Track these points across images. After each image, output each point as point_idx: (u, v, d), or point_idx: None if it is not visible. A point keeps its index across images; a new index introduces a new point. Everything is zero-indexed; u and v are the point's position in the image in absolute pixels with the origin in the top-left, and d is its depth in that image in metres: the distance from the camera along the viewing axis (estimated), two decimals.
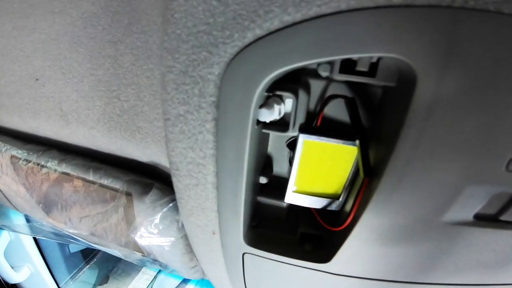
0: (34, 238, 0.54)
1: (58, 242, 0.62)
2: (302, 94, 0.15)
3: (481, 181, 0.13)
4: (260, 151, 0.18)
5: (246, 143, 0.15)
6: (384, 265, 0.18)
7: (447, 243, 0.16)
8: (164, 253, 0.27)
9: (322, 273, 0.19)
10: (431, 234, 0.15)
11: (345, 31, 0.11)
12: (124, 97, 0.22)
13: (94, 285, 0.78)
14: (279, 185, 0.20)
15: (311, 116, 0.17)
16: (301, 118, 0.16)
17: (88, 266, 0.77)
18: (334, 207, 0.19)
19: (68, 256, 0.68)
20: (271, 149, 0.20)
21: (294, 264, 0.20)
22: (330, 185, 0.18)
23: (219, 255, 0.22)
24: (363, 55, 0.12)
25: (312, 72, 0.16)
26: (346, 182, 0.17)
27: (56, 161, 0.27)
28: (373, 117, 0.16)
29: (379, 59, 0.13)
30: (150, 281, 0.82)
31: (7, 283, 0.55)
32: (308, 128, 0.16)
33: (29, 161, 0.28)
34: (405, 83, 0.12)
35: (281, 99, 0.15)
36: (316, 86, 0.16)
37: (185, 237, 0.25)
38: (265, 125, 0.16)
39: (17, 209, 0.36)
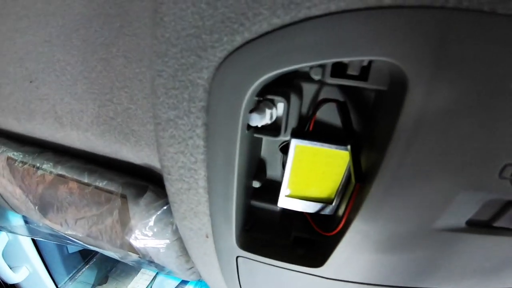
0: (32, 239, 0.54)
1: (57, 244, 0.62)
2: (294, 98, 0.15)
3: (474, 188, 0.13)
4: (252, 155, 0.18)
5: (236, 148, 0.14)
6: (376, 270, 0.18)
7: (439, 249, 0.16)
8: (160, 255, 0.27)
9: (315, 277, 0.19)
10: (423, 240, 0.15)
11: (335, 33, 0.11)
12: (117, 100, 0.22)
13: (93, 285, 0.79)
14: (272, 189, 0.19)
15: (303, 120, 0.17)
16: (293, 122, 0.16)
17: (87, 266, 0.77)
18: (327, 211, 0.18)
19: (66, 257, 0.69)
20: (264, 153, 0.20)
21: (287, 268, 0.20)
22: (323, 190, 0.18)
23: (213, 258, 0.22)
24: (353, 59, 0.11)
25: (304, 76, 0.16)
26: (339, 186, 0.17)
27: (51, 163, 0.27)
28: (366, 122, 0.16)
29: (370, 62, 0.13)
30: (149, 282, 0.82)
31: (5, 284, 0.55)
32: (300, 132, 0.16)
33: (25, 163, 0.28)
34: (396, 87, 0.12)
35: (272, 103, 0.15)
36: (309, 89, 0.16)
37: (180, 239, 0.25)
38: (256, 129, 0.16)
39: (14, 211, 0.36)
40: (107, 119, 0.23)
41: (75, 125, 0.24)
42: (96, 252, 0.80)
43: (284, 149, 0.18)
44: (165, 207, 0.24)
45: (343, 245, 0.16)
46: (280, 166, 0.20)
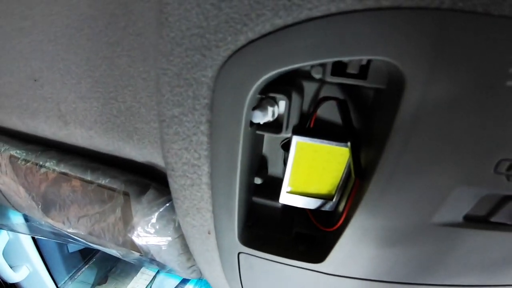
0: (33, 238, 0.54)
1: (57, 242, 0.62)
2: (295, 96, 0.16)
3: (470, 183, 0.13)
4: (254, 152, 0.18)
5: (239, 144, 0.15)
6: (376, 266, 0.18)
7: (438, 244, 0.16)
8: (161, 253, 0.27)
9: (316, 273, 0.19)
10: (422, 235, 0.15)
11: (335, 34, 0.11)
12: (121, 98, 0.22)
13: (93, 285, 0.79)
14: (274, 185, 0.20)
15: (304, 117, 0.17)
16: (294, 120, 0.17)
17: (87, 266, 0.77)
18: (327, 207, 0.19)
19: (67, 256, 0.68)
20: (266, 150, 0.20)
21: (289, 264, 0.20)
22: (323, 186, 0.18)
23: (215, 255, 0.22)
24: (353, 58, 0.12)
25: (305, 74, 0.16)
26: (339, 183, 0.18)
27: (54, 161, 0.27)
28: (365, 119, 0.16)
29: (369, 61, 0.13)
30: (149, 281, 0.82)
31: (5, 283, 0.55)
32: (301, 129, 0.17)
33: (28, 161, 0.29)
34: (394, 85, 0.12)
35: (274, 101, 0.16)
36: (310, 88, 0.16)
37: (182, 237, 0.25)
38: (259, 126, 0.17)
39: (16, 209, 0.36)
40: (111, 117, 0.23)
41: (79, 123, 0.25)
42: (96, 252, 0.80)
43: (286, 146, 0.19)
44: (167, 204, 0.24)
45: (343, 240, 0.17)
46: (281, 163, 0.21)
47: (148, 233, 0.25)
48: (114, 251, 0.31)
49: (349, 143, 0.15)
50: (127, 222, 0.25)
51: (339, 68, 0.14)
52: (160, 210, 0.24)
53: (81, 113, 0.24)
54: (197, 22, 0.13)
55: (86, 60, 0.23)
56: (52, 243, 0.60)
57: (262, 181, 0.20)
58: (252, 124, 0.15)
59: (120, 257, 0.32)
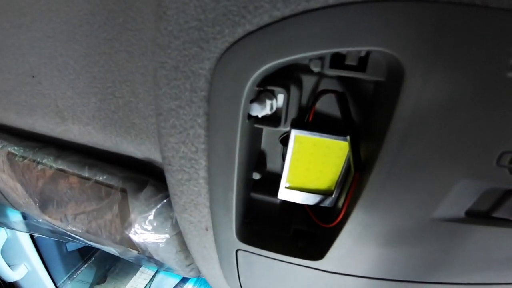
0: (31, 237, 0.54)
1: (55, 241, 0.62)
2: (294, 89, 0.16)
3: (472, 176, 0.13)
4: (252, 147, 0.18)
5: (236, 137, 0.15)
6: (377, 263, 0.18)
7: (439, 241, 0.16)
8: (159, 251, 0.27)
9: (315, 270, 0.19)
10: (423, 231, 0.15)
11: (333, 25, 0.11)
12: (119, 93, 0.22)
13: (92, 284, 0.78)
14: (272, 181, 0.20)
15: (303, 111, 0.17)
16: (293, 114, 0.16)
17: (86, 265, 0.77)
18: (327, 203, 0.19)
19: (65, 255, 0.68)
20: (264, 145, 0.20)
21: (287, 261, 0.20)
22: (323, 181, 0.18)
23: (212, 252, 0.22)
24: (351, 49, 0.12)
25: (304, 68, 0.16)
26: (338, 178, 0.17)
27: (52, 158, 0.27)
28: (365, 113, 0.16)
29: (368, 53, 0.13)
30: (148, 281, 0.82)
31: (3, 282, 0.55)
32: (300, 123, 0.16)
33: (25, 158, 0.28)
34: (393, 77, 0.12)
35: (272, 94, 0.16)
36: (308, 81, 0.16)
37: (180, 235, 0.25)
38: (257, 120, 0.16)
39: (13, 207, 0.36)
40: (109, 112, 0.23)
41: (76, 119, 0.25)
42: (95, 251, 0.79)
43: (284, 141, 0.19)
44: (165, 201, 0.24)
45: (342, 237, 0.17)
46: (280, 159, 0.20)
47: (145, 230, 0.24)
48: (111, 249, 0.31)
49: (348, 137, 0.15)
50: (124, 219, 0.25)
51: (337, 61, 0.14)
52: (158, 207, 0.24)
53: (78, 108, 0.24)
54: (195, 15, 0.13)
55: (84, 56, 0.23)
56: (50, 241, 0.60)
57: (261, 176, 0.20)
58: (250, 117, 0.15)
59: (118, 255, 0.32)
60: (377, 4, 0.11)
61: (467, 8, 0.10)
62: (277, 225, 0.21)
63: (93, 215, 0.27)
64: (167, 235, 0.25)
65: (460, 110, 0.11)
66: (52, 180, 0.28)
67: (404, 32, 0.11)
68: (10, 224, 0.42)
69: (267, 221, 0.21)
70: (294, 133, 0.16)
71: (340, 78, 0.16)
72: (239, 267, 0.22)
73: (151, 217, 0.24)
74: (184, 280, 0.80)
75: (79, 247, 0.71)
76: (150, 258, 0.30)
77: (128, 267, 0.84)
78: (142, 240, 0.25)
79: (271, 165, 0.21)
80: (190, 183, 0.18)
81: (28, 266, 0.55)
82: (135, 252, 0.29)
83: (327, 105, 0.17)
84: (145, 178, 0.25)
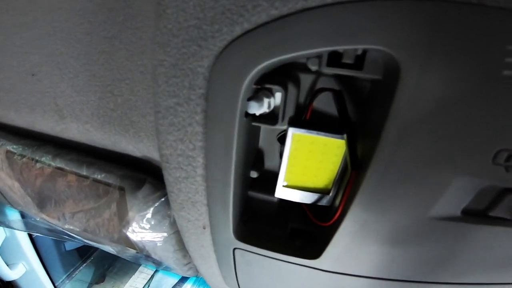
0: (30, 236, 0.54)
1: (54, 240, 0.62)
2: (291, 87, 0.16)
3: (468, 175, 0.13)
4: (250, 145, 0.18)
5: (234, 134, 0.15)
6: (374, 262, 0.18)
7: (436, 239, 0.16)
8: (157, 249, 0.27)
9: (313, 269, 0.19)
10: (420, 229, 0.15)
11: (330, 23, 0.11)
12: (118, 91, 0.22)
13: (91, 283, 0.78)
14: (270, 180, 0.20)
15: (300, 109, 0.17)
16: (290, 112, 0.16)
17: (84, 264, 0.77)
18: (324, 202, 0.19)
19: (64, 254, 0.68)
20: (262, 143, 0.20)
21: (285, 260, 0.20)
22: (320, 180, 0.18)
23: (210, 251, 0.22)
24: (348, 47, 0.12)
25: (301, 66, 0.16)
26: (336, 176, 0.17)
27: (50, 156, 0.27)
28: (362, 111, 0.16)
29: (365, 51, 0.13)
30: (147, 280, 0.82)
31: (2, 281, 0.55)
32: (297, 121, 0.17)
33: (24, 156, 0.29)
34: (390, 75, 0.12)
35: (270, 92, 0.16)
36: (306, 80, 0.16)
37: (178, 233, 0.25)
38: (254, 118, 0.16)
39: (11, 205, 0.36)
40: (107, 110, 0.23)
41: (75, 117, 0.25)
42: (94, 251, 0.79)
43: (282, 139, 0.19)
44: (163, 199, 0.24)
45: (339, 235, 0.17)
46: (278, 157, 0.20)
47: (143, 228, 0.24)
48: (109, 248, 0.31)
49: (345, 135, 0.15)
50: (122, 218, 0.25)
51: (335, 59, 0.14)
52: (156, 205, 0.24)
53: (77, 107, 0.24)
54: (194, 14, 0.13)
55: (84, 54, 0.23)
56: (48, 241, 0.60)
57: (258, 174, 0.20)
58: (247, 114, 0.15)
59: (116, 253, 0.32)
60: (373, 3, 0.11)
61: (463, 6, 0.10)
62: (275, 223, 0.21)
63: (91, 214, 0.27)
64: (165, 234, 0.25)
65: (456, 107, 0.11)
66: (50, 179, 0.28)
67: (400, 30, 0.11)
68: (8, 222, 0.42)
69: (264, 219, 0.21)
70: (291, 131, 0.16)
71: (337, 77, 0.16)
72: (236, 266, 0.22)
73: (149, 215, 0.24)
74: (183, 279, 0.80)
75: (78, 246, 0.71)
76: (148, 257, 0.30)
77: (127, 267, 0.83)
78: (139, 239, 0.25)
79: (269, 164, 0.21)
80: (188, 180, 0.18)
81: (26, 265, 0.55)
82: (133, 251, 0.29)
83: (325, 103, 0.17)
84: (143, 176, 0.25)
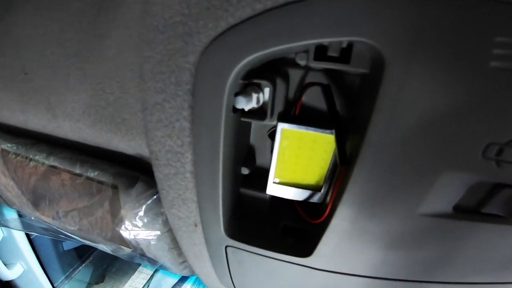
0: (27, 236, 0.54)
1: (52, 240, 0.62)
2: (280, 82, 0.16)
3: (457, 169, 0.13)
4: (240, 141, 0.18)
5: (220, 129, 0.15)
6: (365, 260, 0.17)
7: (428, 237, 0.15)
8: (151, 248, 0.27)
9: (304, 267, 0.19)
10: (411, 227, 0.15)
11: (314, 16, 0.11)
12: (109, 89, 0.22)
13: (90, 283, 0.78)
14: (262, 176, 0.19)
15: (289, 105, 0.17)
16: (280, 107, 0.16)
17: (83, 265, 0.77)
18: (316, 199, 0.18)
19: (62, 254, 0.68)
20: (253, 140, 0.20)
21: (276, 258, 0.19)
22: (311, 176, 0.18)
23: (203, 249, 0.22)
24: (332, 40, 0.12)
25: (290, 62, 0.16)
26: (327, 173, 0.17)
27: (44, 155, 0.27)
28: (351, 106, 0.16)
29: (351, 45, 0.13)
30: (146, 280, 0.82)
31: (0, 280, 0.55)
32: (286, 116, 0.16)
33: (18, 155, 0.29)
34: (376, 68, 0.12)
35: (259, 88, 0.16)
36: (295, 75, 0.16)
37: (171, 232, 0.25)
38: (243, 113, 0.16)
39: (7, 204, 0.36)
40: (99, 108, 0.23)
41: (67, 116, 0.25)
42: (93, 251, 0.79)
43: (273, 135, 0.18)
44: (155, 197, 0.24)
45: (330, 233, 0.16)
46: (269, 154, 0.20)
47: (136, 226, 0.24)
48: (103, 246, 0.31)
49: (333, 130, 0.15)
50: (115, 216, 0.25)
51: (322, 53, 0.14)
52: (148, 203, 0.23)
53: (69, 105, 0.24)
54: (180, 10, 0.13)
55: (75, 52, 0.23)
56: (46, 240, 0.60)
57: (250, 171, 0.19)
58: (235, 110, 0.15)
59: (111, 252, 0.32)
60: None
61: None
62: (267, 221, 0.21)
63: (84, 212, 0.27)
64: (158, 232, 0.25)
65: (443, 100, 0.11)
66: (44, 177, 0.28)
67: (384, 23, 0.11)
68: (4, 222, 0.42)
69: (256, 217, 0.21)
70: (280, 126, 0.16)
71: (326, 72, 0.16)
72: (229, 264, 0.22)
73: (141, 213, 0.24)
74: (182, 279, 0.80)
75: (76, 246, 0.71)
76: (143, 256, 0.30)
77: (126, 267, 0.84)
78: (133, 237, 0.25)
79: (261, 161, 0.21)
80: (177, 177, 0.18)
81: (24, 265, 0.55)
82: (128, 250, 0.29)
83: (315, 99, 0.17)
84: (136, 174, 0.25)
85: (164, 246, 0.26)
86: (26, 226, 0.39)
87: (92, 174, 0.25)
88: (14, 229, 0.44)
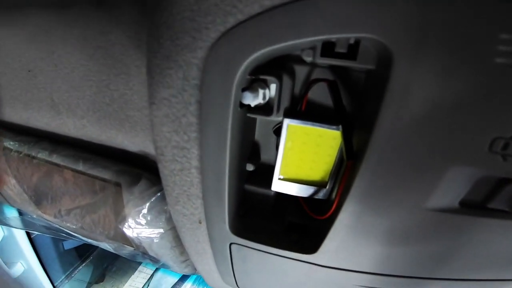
0: (28, 235, 0.54)
1: (52, 240, 0.62)
2: (286, 78, 0.16)
3: (464, 163, 0.13)
4: (245, 137, 0.18)
5: (228, 125, 0.15)
6: (371, 257, 0.17)
7: (435, 233, 0.15)
8: (153, 246, 0.26)
9: (309, 264, 0.19)
10: (417, 222, 0.15)
11: (322, 12, 0.11)
12: (114, 86, 0.22)
13: (90, 283, 0.78)
14: (267, 173, 0.19)
15: (296, 101, 0.17)
16: (286, 103, 0.16)
17: (84, 264, 0.77)
18: (321, 195, 0.18)
19: (62, 254, 0.68)
20: (258, 136, 0.20)
21: (281, 255, 0.19)
22: (316, 172, 0.18)
23: (206, 246, 0.22)
24: (340, 36, 0.12)
25: (296, 58, 0.16)
26: (332, 169, 0.17)
27: (47, 152, 0.27)
28: (357, 102, 0.16)
29: (358, 41, 0.13)
30: (146, 280, 0.81)
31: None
32: (292, 112, 0.16)
33: (21, 152, 0.28)
34: (383, 64, 0.12)
35: (265, 84, 0.16)
36: (301, 71, 0.16)
37: (174, 230, 0.25)
38: (250, 109, 0.16)
39: (8, 203, 0.36)
40: (103, 105, 0.23)
41: (71, 112, 0.25)
42: (93, 250, 0.79)
43: (278, 131, 0.18)
44: (159, 194, 0.24)
45: (336, 229, 0.16)
46: (274, 150, 0.20)
47: (139, 224, 0.24)
48: (106, 245, 0.31)
49: (340, 126, 0.15)
50: (118, 213, 0.25)
51: (328, 50, 0.14)
52: (151, 200, 0.23)
53: (73, 102, 0.24)
54: (188, 6, 0.13)
55: (80, 49, 0.23)
56: (47, 240, 0.60)
57: (254, 168, 0.19)
58: (242, 105, 0.15)
59: (113, 251, 0.32)
60: None
61: None
62: (271, 217, 0.21)
63: (87, 210, 0.27)
64: (161, 230, 0.25)
65: (449, 96, 0.11)
66: (47, 175, 0.28)
67: (391, 19, 0.11)
68: (5, 220, 0.42)
69: (261, 214, 0.21)
70: (286, 122, 0.16)
71: (332, 68, 0.16)
72: (233, 261, 0.22)
73: (144, 210, 0.24)
74: (183, 278, 0.80)
75: (76, 245, 0.71)
76: (145, 254, 0.30)
77: (126, 266, 0.83)
78: (136, 235, 0.25)
79: (266, 157, 0.21)
80: (183, 173, 0.18)
81: (25, 264, 0.55)
82: (130, 248, 0.29)
83: (320, 95, 0.17)
84: (140, 171, 0.25)
85: (167, 244, 0.26)
86: (27, 225, 0.39)
87: (95, 171, 0.25)
88: (14, 227, 0.43)
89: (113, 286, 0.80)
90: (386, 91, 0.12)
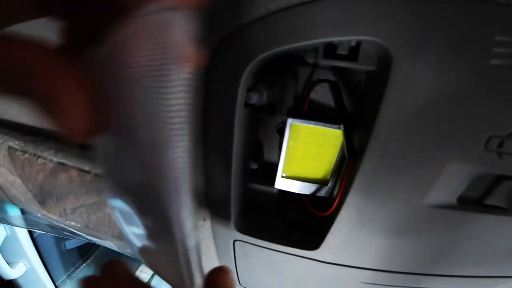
0: (30, 234, 0.54)
1: (54, 239, 0.62)
2: (289, 79, 0.16)
3: (460, 160, 0.13)
4: (250, 136, 0.18)
5: (234, 124, 0.15)
6: (372, 253, 0.18)
7: (433, 229, 0.16)
8: None
9: (312, 261, 0.19)
10: (416, 218, 0.15)
11: (325, 16, 0.12)
12: None
13: None
14: (270, 171, 0.20)
15: (299, 101, 0.17)
16: (289, 103, 0.17)
17: (85, 264, 0.77)
18: (323, 193, 0.19)
19: (64, 253, 0.68)
20: (262, 135, 0.21)
21: (284, 251, 0.20)
22: (318, 170, 0.18)
23: (210, 244, 0.22)
24: (343, 39, 0.12)
25: (299, 59, 0.16)
26: (334, 167, 0.18)
27: (52, 151, 0.28)
28: (358, 102, 0.16)
29: (359, 43, 0.14)
30: (148, 279, 0.81)
31: (2, 279, 0.55)
32: (295, 112, 0.17)
33: (26, 152, 0.29)
34: (383, 65, 0.13)
35: (269, 84, 0.16)
36: (304, 72, 0.17)
37: None
38: (254, 109, 0.17)
39: (12, 202, 0.36)
40: None
41: None
42: (94, 250, 0.79)
43: (281, 131, 0.19)
44: None
45: (338, 225, 0.17)
46: (277, 149, 0.21)
47: None
48: (110, 243, 0.31)
49: (342, 125, 0.15)
50: None
51: (331, 52, 0.14)
52: None
53: None
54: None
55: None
56: (49, 239, 0.60)
57: (258, 166, 0.20)
58: (247, 105, 0.16)
59: (117, 249, 0.32)
60: None
61: None
62: (274, 215, 0.21)
63: (92, 209, 0.27)
64: None
65: (447, 95, 0.12)
66: (52, 174, 0.28)
67: (391, 22, 0.11)
68: (9, 219, 0.42)
69: (264, 211, 0.21)
70: (289, 121, 0.16)
71: (334, 69, 0.16)
72: (236, 258, 0.22)
73: None
74: None
75: (78, 245, 0.71)
76: None
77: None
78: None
79: (269, 156, 0.21)
80: None
81: (27, 263, 0.55)
82: None
83: (323, 96, 0.17)
84: None
85: None
86: (31, 224, 0.39)
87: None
88: (18, 226, 0.44)
89: None
90: (386, 91, 0.12)
